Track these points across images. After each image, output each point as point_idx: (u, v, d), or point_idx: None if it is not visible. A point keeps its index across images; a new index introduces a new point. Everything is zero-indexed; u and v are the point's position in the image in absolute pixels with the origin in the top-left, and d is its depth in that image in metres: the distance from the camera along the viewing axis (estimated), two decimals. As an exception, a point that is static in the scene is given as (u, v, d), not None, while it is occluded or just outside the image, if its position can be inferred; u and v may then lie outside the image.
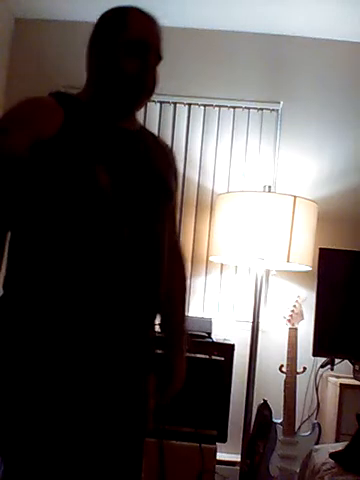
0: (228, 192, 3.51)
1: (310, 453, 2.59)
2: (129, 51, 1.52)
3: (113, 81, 1.53)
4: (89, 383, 1.43)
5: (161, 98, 3.63)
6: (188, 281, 1.77)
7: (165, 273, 1.55)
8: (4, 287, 1.47)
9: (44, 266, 1.42)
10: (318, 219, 3.31)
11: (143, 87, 1.56)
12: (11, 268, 1.47)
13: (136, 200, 1.51)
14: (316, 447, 2.68)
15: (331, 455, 2.33)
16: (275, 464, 3.08)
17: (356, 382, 3.08)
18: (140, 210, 1.50)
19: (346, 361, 3.19)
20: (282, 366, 3.19)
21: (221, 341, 3.14)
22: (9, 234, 1.48)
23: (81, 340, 1.42)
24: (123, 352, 1.49)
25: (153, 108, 3.66)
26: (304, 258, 3.20)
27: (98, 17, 1.63)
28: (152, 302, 1.53)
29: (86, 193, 1.43)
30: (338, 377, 3.19)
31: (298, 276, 3.49)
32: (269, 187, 3.37)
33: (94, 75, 1.58)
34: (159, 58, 1.62)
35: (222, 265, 3.59)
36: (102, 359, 1.44)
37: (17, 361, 1.39)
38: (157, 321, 1.62)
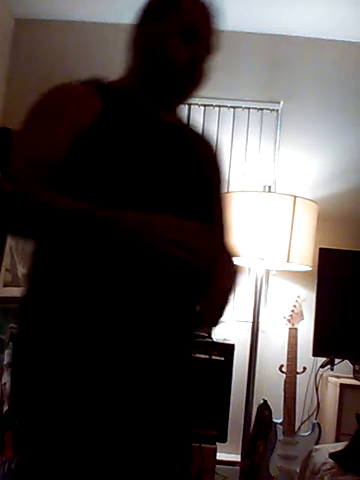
0: (228, 192, 3.51)
1: (310, 453, 2.59)
2: (180, 36, 1.38)
3: (159, 67, 1.39)
4: (127, 384, 1.29)
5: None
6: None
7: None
8: (34, 282, 1.35)
9: (85, 260, 1.28)
10: (318, 219, 3.31)
11: (191, 77, 1.42)
12: (42, 262, 1.33)
13: (179, 204, 1.36)
14: (316, 447, 2.68)
15: (331, 455, 2.33)
16: (275, 464, 3.08)
17: (356, 382, 3.08)
18: (182, 214, 1.31)
19: (346, 361, 3.19)
20: (282, 366, 3.19)
21: (221, 341, 3.13)
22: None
23: (121, 336, 1.28)
24: (165, 351, 1.35)
25: (153, 108, 3.65)
26: (304, 258, 3.20)
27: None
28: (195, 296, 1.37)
29: (125, 194, 1.29)
30: (338, 377, 3.19)
31: (298, 276, 3.49)
32: (269, 187, 3.37)
33: (138, 60, 1.44)
34: (209, 51, 1.45)
35: (222, 265, 3.59)
36: (142, 357, 1.31)
37: (53, 361, 1.27)
38: None
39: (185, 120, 1.56)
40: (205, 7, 1.43)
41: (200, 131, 1.62)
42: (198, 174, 1.45)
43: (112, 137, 1.31)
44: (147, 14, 1.43)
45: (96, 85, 1.40)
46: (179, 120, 1.51)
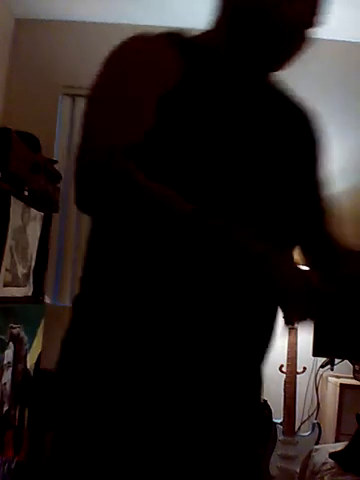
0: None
1: (310, 453, 2.59)
2: None
3: (261, 24, 1.13)
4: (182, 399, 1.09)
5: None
6: None
7: None
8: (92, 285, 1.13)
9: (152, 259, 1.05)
10: (318, 219, 3.31)
11: (301, 38, 1.20)
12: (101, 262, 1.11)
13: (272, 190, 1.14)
14: (316, 447, 2.68)
15: (331, 455, 2.33)
16: (275, 464, 3.08)
17: (356, 382, 3.08)
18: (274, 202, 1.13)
19: (346, 361, 3.19)
20: (282, 366, 3.19)
21: (221, 341, 3.13)
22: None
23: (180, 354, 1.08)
24: (229, 380, 1.17)
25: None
26: (304, 258, 3.19)
27: None
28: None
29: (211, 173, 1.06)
30: (338, 377, 3.19)
31: (298, 276, 3.49)
32: (269, 187, 3.37)
33: (233, 14, 1.17)
34: (316, 13, 1.19)
35: (222, 265, 3.59)
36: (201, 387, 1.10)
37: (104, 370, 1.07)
38: None
39: (280, 86, 1.29)
40: None
41: (298, 100, 1.36)
42: (297, 158, 1.22)
43: (198, 105, 1.08)
44: None
45: (181, 43, 1.14)
46: (274, 85, 1.28)
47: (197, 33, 1.21)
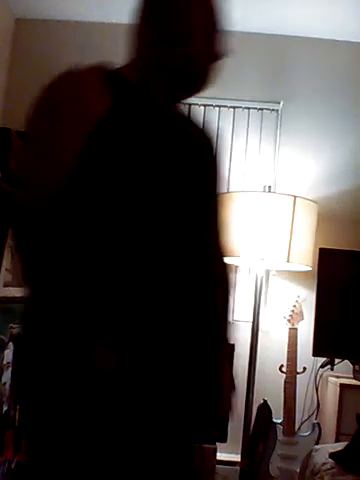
0: (228, 192, 3.51)
1: (310, 453, 2.59)
2: (203, 31, 1.29)
3: (180, 60, 1.28)
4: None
5: (161, 98, 3.62)
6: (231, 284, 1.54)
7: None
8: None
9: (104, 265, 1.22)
10: (318, 219, 3.31)
11: (208, 73, 1.33)
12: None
13: (185, 205, 1.32)
14: (316, 447, 2.68)
15: (331, 455, 2.33)
16: (275, 464, 3.08)
17: (356, 382, 3.08)
18: (187, 212, 1.31)
19: (346, 361, 3.19)
20: (282, 366, 3.19)
21: (221, 341, 3.13)
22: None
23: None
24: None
25: (153, 108, 3.65)
26: (304, 258, 3.20)
27: None
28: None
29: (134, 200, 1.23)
30: (338, 377, 3.19)
31: (298, 276, 3.49)
32: (269, 187, 3.37)
33: (154, 47, 1.30)
34: (223, 48, 1.38)
35: (222, 265, 3.59)
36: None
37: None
38: None
39: (185, 113, 1.46)
40: (218, 6, 1.37)
41: (200, 124, 1.56)
42: (200, 173, 1.40)
43: (121, 138, 1.23)
44: (166, 4, 1.30)
45: (106, 74, 1.28)
46: (182, 114, 1.43)
47: (119, 65, 1.35)
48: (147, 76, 1.31)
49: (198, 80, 1.32)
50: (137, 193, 1.22)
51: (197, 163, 1.39)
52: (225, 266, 1.49)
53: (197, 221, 1.31)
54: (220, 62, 1.33)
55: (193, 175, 1.35)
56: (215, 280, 1.31)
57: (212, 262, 1.33)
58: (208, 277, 1.27)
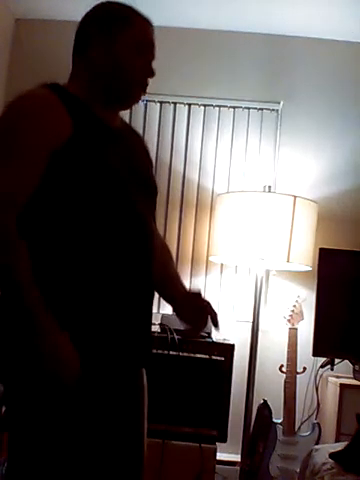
0: (228, 192, 3.51)
1: (310, 453, 2.59)
2: (138, 52, 1.53)
3: (116, 77, 1.53)
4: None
5: (161, 98, 3.63)
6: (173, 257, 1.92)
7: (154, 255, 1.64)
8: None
9: (79, 262, 1.45)
10: (318, 219, 3.31)
11: (143, 84, 1.58)
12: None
13: (140, 200, 1.58)
14: (316, 447, 2.68)
15: (331, 455, 2.33)
16: (275, 464, 3.08)
17: (356, 382, 3.08)
18: (143, 205, 1.58)
19: (346, 361, 3.18)
20: (282, 366, 3.19)
21: (221, 341, 3.14)
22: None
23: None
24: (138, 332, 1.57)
25: (153, 108, 3.65)
26: (304, 258, 3.20)
27: (91, 12, 1.60)
28: (151, 282, 1.62)
29: (111, 194, 1.48)
30: (338, 377, 3.19)
31: (298, 276, 3.49)
32: (269, 187, 3.37)
33: (92, 70, 1.56)
34: (154, 57, 1.62)
35: (222, 265, 3.59)
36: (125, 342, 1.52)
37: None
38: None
39: (122, 118, 1.69)
40: (148, 20, 1.59)
41: (130, 126, 1.78)
42: (142, 171, 1.64)
43: (83, 153, 1.44)
44: (100, 27, 1.54)
45: (60, 94, 1.48)
46: (121, 121, 1.66)
47: (64, 82, 1.61)
48: (87, 94, 1.55)
49: (128, 101, 1.61)
50: (98, 193, 1.45)
51: (141, 162, 1.66)
52: (164, 242, 1.86)
53: (145, 210, 1.59)
54: (147, 80, 1.58)
55: (141, 172, 1.62)
56: (152, 250, 1.60)
57: (152, 239, 1.61)
58: (149, 249, 1.58)
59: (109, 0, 1.61)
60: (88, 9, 1.64)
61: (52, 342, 1.36)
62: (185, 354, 3.02)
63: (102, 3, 1.61)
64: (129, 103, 1.63)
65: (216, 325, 1.68)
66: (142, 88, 1.58)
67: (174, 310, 1.79)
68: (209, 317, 1.69)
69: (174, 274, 1.83)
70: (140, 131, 3.60)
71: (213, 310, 1.70)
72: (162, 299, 1.83)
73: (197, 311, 1.70)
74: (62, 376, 1.36)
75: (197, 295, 1.75)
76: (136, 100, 1.62)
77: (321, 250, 3.23)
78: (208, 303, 1.72)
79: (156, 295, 1.70)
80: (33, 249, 1.39)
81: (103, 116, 1.55)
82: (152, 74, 1.57)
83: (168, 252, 1.85)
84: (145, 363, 1.63)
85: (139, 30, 1.54)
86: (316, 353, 3.15)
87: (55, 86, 1.52)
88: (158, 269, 1.63)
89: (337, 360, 3.20)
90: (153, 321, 1.72)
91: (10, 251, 1.36)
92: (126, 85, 1.55)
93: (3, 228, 1.36)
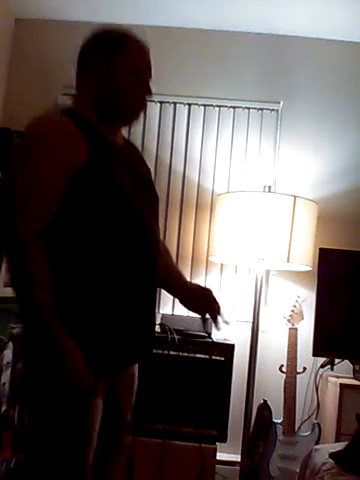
0: (228, 192, 3.51)
1: (310, 453, 2.59)
2: (135, 74, 1.68)
3: (117, 99, 1.68)
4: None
5: (161, 98, 3.63)
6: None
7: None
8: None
9: (95, 268, 1.61)
10: (318, 219, 3.31)
11: (143, 104, 1.76)
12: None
13: (146, 209, 1.74)
14: (316, 447, 2.68)
15: (331, 455, 2.33)
16: (275, 464, 3.08)
17: (356, 382, 3.08)
18: (148, 214, 1.75)
19: (346, 361, 3.18)
20: (282, 366, 3.19)
21: (221, 341, 3.14)
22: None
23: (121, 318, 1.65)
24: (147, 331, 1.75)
25: (153, 108, 3.66)
26: (304, 258, 3.20)
27: (92, 37, 1.72)
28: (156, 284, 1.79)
29: (122, 210, 1.64)
30: (338, 377, 3.19)
31: (298, 276, 3.49)
32: (269, 187, 3.37)
33: (95, 94, 1.69)
34: (151, 77, 1.76)
35: (222, 265, 3.59)
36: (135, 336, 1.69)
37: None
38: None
39: (124, 136, 1.86)
40: (144, 45, 1.72)
41: (129, 141, 1.92)
42: (146, 183, 1.82)
43: (101, 171, 1.61)
44: (100, 53, 1.67)
45: (74, 120, 1.62)
46: (123, 138, 1.82)
47: (71, 104, 1.73)
48: (93, 114, 1.69)
49: (129, 119, 1.77)
50: (110, 209, 1.62)
51: (143, 174, 1.83)
52: (165, 246, 2.01)
53: (151, 218, 1.76)
54: (146, 99, 1.74)
55: (144, 184, 1.80)
56: (156, 254, 1.76)
57: (156, 244, 1.76)
58: (154, 250, 1.73)
59: (108, 26, 1.73)
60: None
61: (67, 358, 1.51)
62: (185, 354, 3.02)
63: (102, 29, 1.72)
64: (129, 121, 1.78)
65: (218, 316, 1.88)
66: (141, 107, 1.75)
67: (181, 302, 1.94)
68: (214, 307, 1.88)
69: (177, 272, 2.01)
70: (140, 131, 3.61)
71: (216, 301, 1.89)
72: (169, 295, 2.03)
73: (202, 300, 1.90)
74: (77, 389, 1.52)
75: (201, 287, 1.95)
76: (136, 118, 1.77)
77: (321, 250, 3.23)
78: (211, 292, 1.91)
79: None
80: (54, 257, 1.55)
81: (108, 135, 1.70)
82: (150, 93, 1.73)
83: (169, 255, 2.02)
84: (145, 360, 1.78)
85: (135, 54, 1.68)
86: (316, 353, 3.15)
87: (69, 111, 1.66)
88: (163, 271, 1.80)
89: (337, 360, 3.20)
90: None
91: (33, 267, 1.52)
92: (125, 106, 1.70)
93: (28, 245, 1.51)
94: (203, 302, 1.90)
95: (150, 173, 1.91)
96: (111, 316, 1.63)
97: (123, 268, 1.64)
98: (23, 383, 1.68)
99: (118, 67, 1.66)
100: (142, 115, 1.84)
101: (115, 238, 1.62)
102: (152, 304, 1.76)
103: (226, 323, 1.88)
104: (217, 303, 1.89)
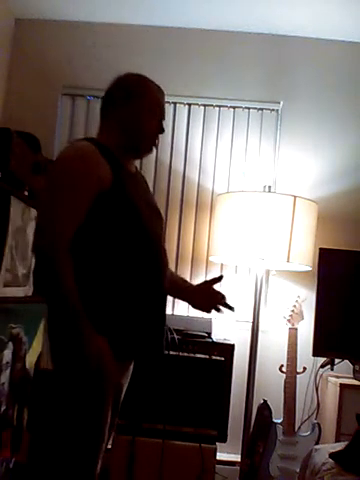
0: (228, 192, 3.51)
1: (310, 453, 2.59)
2: (152, 113, 1.94)
3: (136, 135, 1.94)
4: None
5: (161, 98, 3.62)
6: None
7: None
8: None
9: (117, 279, 1.82)
10: (318, 219, 3.31)
11: (156, 141, 2.00)
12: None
13: (156, 229, 1.99)
14: (316, 447, 2.68)
15: (331, 455, 2.33)
16: (275, 464, 3.08)
17: (356, 382, 3.08)
18: (158, 235, 1.99)
19: (346, 361, 3.18)
20: (282, 366, 3.19)
21: (221, 341, 3.14)
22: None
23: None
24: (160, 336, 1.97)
25: (153, 108, 3.65)
26: (304, 258, 3.20)
27: (118, 79, 1.97)
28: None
29: (139, 227, 1.87)
30: (338, 377, 3.19)
31: (298, 276, 3.49)
32: (269, 187, 3.37)
33: (118, 129, 1.93)
34: (164, 118, 2.03)
35: (222, 265, 3.59)
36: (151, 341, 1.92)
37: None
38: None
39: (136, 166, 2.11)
40: (161, 90, 2.01)
41: (138, 170, 2.15)
42: (154, 205, 2.08)
43: (122, 193, 1.84)
44: (125, 94, 1.93)
45: (99, 147, 1.84)
46: (135, 167, 2.06)
47: (98, 136, 1.97)
48: (114, 146, 1.92)
49: (143, 153, 2.02)
50: (130, 225, 1.84)
51: (151, 197, 2.12)
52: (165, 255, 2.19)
53: (159, 237, 2.00)
54: (158, 136, 2.00)
55: (153, 205, 2.06)
56: (164, 262, 1.99)
57: (164, 256, 1.99)
58: (163, 262, 1.97)
59: (130, 73, 1.99)
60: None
61: (95, 346, 1.71)
62: (185, 354, 3.02)
63: (125, 74, 1.98)
64: (143, 154, 2.03)
65: (228, 307, 2.09)
66: (154, 143, 1.99)
67: (191, 303, 2.17)
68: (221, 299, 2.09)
69: (181, 279, 2.25)
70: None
71: (222, 294, 2.11)
72: (180, 300, 2.28)
73: (208, 297, 2.11)
74: (105, 372, 1.72)
75: (201, 285, 2.15)
76: (149, 152, 2.02)
77: (321, 250, 3.23)
78: (211, 285, 2.11)
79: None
80: (80, 266, 1.76)
81: (125, 163, 1.94)
82: (162, 131, 1.99)
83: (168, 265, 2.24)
84: (156, 357, 1.96)
85: (152, 97, 1.96)
86: (316, 353, 3.15)
87: (93, 140, 1.91)
88: (169, 280, 2.02)
89: (337, 360, 3.20)
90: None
91: (61, 276, 1.71)
92: (142, 141, 1.96)
93: (56, 256, 1.71)
94: (210, 298, 2.11)
95: (152, 195, 2.19)
96: (125, 317, 1.82)
97: (138, 274, 1.85)
98: (53, 375, 1.85)
99: (138, 108, 1.93)
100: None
101: (132, 252, 1.84)
102: (162, 311, 1.98)
103: (231, 309, 2.09)
104: (220, 293, 2.11)
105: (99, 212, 1.80)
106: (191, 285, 2.21)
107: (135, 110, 1.93)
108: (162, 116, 2.01)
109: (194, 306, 2.16)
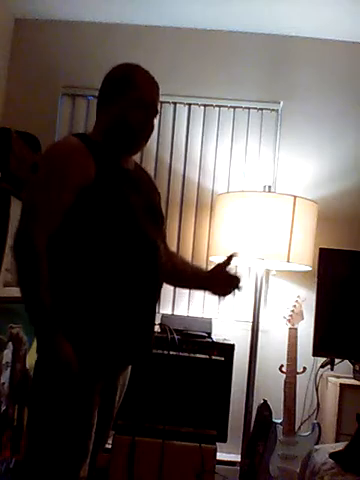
0: (228, 192, 3.51)
1: (310, 453, 2.59)
2: (138, 107, 1.88)
3: (123, 131, 1.89)
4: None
5: (161, 98, 3.60)
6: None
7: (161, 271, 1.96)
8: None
9: (101, 274, 1.78)
10: (318, 219, 3.31)
11: (145, 136, 1.94)
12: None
13: (151, 227, 1.91)
14: (316, 447, 2.68)
15: (331, 455, 2.33)
16: (275, 464, 3.08)
17: (356, 382, 3.08)
18: (153, 231, 1.91)
19: (346, 361, 3.19)
20: (282, 366, 3.19)
21: (221, 341, 3.14)
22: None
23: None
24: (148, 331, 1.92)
25: (153, 108, 3.65)
26: (304, 258, 3.20)
27: (108, 73, 1.94)
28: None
29: (126, 223, 1.81)
30: (338, 377, 3.19)
31: (298, 276, 3.49)
32: (269, 187, 3.37)
33: (106, 124, 1.91)
34: (156, 112, 1.96)
35: (222, 265, 3.59)
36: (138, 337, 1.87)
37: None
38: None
39: (135, 161, 2.05)
40: (153, 79, 1.94)
41: (140, 166, 2.12)
42: (151, 204, 1.99)
43: (105, 188, 1.80)
44: (110, 90, 1.90)
45: (86, 142, 1.83)
46: (134, 163, 2.03)
47: (91, 132, 1.95)
48: (106, 141, 1.90)
49: (133, 147, 1.96)
50: (116, 223, 1.79)
51: (153, 197, 2.05)
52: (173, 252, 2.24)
53: (156, 236, 1.92)
54: (149, 133, 1.95)
55: (153, 206, 2.00)
56: (159, 269, 1.92)
57: (161, 260, 1.93)
58: (153, 261, 1.89)
59: (119, 65, 1.95)
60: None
61: (56, 351, 1.69)
62: (185, 354, 3.02)
63: (113, 68, 1.95)
64: (134, 151, 1.98)
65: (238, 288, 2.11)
66: (144, 139, 1.95)
67: (208, 289, 2.16)
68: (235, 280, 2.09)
69: (196, 266, 2.30)
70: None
71: (238, 277, 2.12)
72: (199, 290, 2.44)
73: (224, 282, 2.10)
74: (67, 375, 1.70)
75: (214, 270, 2.11)
76: (139, 149, 2.00)
77: (321, 250, 3.23)
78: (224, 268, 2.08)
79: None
80: (60, 262, 1.75)
81: (120, 159, 1.91)
82: (152, 128, 1.95)
83: (182, 257, 2.31)
84: (143, 362, 1.93)
85: (144, 91, 1.90)
86: (316, 353, 3.15)
87: (83, 135, 1.91)
88: (183, 272, 2.12)
89: (337, 360, 3.20)
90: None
91: (35, 267, 1.69)
92: (129, 136, 1.90)
93: (33, 247, 1.70)
94: (227, 282, 2.09)
95: (159, 196, 2.11)
96: (111, 322, 1.78)
97: (122, 277, 1.80)
98: (34, 377, 1.83)
99: (129, 101, 1.88)
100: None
101: (116, 248, 1.79)
102: (152, 312, 1.92)
103: (240, 289, 2.12)
104: (236, 276, 2.11)
105: (81, 207, 1.77)
106: (206, 274, 2.17)
107: (120, 104, 1.89)
108: (152, 108, 1.94)
109: (213, 293, 2.16)
